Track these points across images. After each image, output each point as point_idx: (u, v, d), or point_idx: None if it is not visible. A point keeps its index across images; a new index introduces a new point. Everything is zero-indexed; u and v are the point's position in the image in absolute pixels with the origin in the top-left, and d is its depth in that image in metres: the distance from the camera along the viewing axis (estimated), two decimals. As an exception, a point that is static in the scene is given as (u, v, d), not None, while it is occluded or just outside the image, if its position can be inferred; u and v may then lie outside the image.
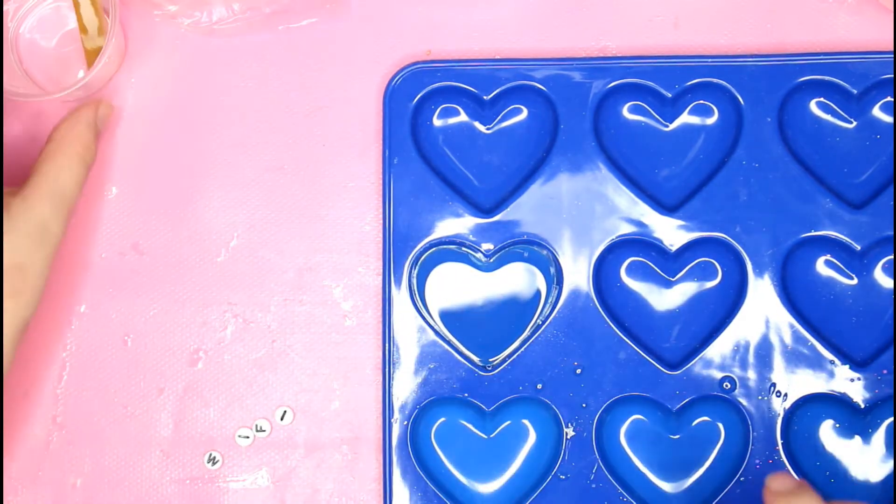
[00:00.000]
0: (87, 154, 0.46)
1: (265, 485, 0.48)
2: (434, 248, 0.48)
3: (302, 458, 0.48)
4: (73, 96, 0.50)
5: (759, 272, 0.47)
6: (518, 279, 0.48)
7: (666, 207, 0.48)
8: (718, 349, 0.46)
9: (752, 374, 0.46)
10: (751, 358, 0.46)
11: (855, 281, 0.47)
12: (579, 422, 0.46)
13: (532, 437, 0.47)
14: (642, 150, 0.49)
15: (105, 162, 0.50)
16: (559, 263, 0.47)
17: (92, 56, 0.50)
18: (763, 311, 0.46)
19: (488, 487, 0.47)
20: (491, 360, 0.47)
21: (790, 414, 0.46)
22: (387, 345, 0.47)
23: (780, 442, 0.45)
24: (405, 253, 0.47)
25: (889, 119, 0.48)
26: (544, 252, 0.48)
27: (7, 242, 0.42)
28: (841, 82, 0.48)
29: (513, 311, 0.48)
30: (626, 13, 0.50)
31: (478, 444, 0.47)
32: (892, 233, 0.46)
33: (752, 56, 0.48)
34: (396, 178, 0.48)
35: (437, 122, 0.49)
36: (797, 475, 0.45)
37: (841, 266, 0.47)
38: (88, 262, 0.50)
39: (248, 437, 0.48)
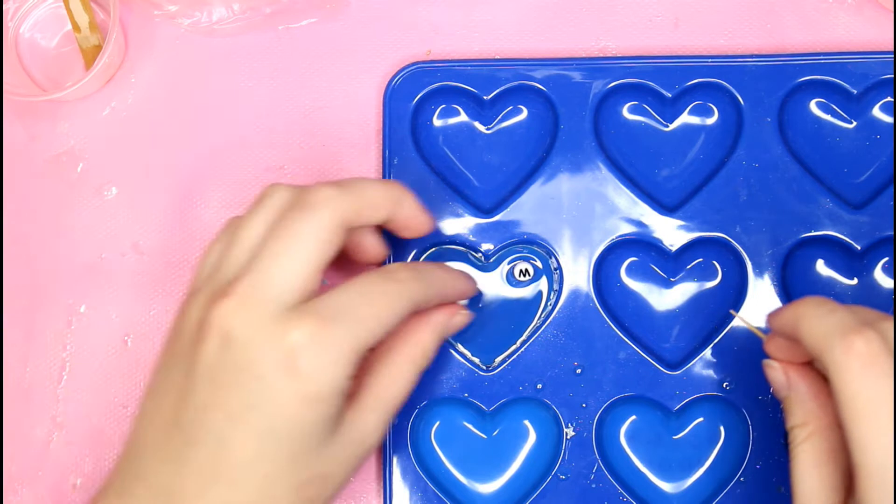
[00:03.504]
0: (424, 362, 0.42)
1: (265, 485, 0.47)
2: (434, 248, 0.48)
3: (302, 458, 0.48)
4: (73, 96, 0.50)
5: (759, 272, 0.47)
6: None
7: (666, 207, 0.48)
8: (718, 349, 0.46)
9: (751, 375, 0.46)
10: (751, 358, 0.46)
11: (855, 281, 0.47)
12: (579, 422, 0.46)
13: (532, 437, 0.47)
14: (642, 150, 0.49)
15: (105, 162, 0.50)
16: (559, 263, 0.47)
17: (89, 55, 0.51)
18: (763, 311, 0.46)
19: (488, 487, 0.47)
20: (491, 360, 0.47)
21: (790, 414, 0.46)
22: (387, 345, 0.47)
23: (780, 442, 0.45)
24: (405, 253, 0.47)
25: (889, 119, 0.48)
26: (544, 252, 0.48)
27: (326, 449, 0.38)
28: (841, 82, 0.48)
29: (513, 311, 0.48)
30: (626, 13, 0.50)
31: (478, 444, 0.47)
32: (892, 233, 0.46)
33: (752, 56, 0.48)
34: (396, 178, 0.48)
35: (437, 122, 0.49)
36: (797, 475, 0.45)
37: (841, 266, 0.47)
38: (88, 262, 0.50)
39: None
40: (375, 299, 0.39)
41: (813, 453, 0.37)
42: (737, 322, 0.46)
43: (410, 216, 0.42)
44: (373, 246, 0.44)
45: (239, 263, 0.39)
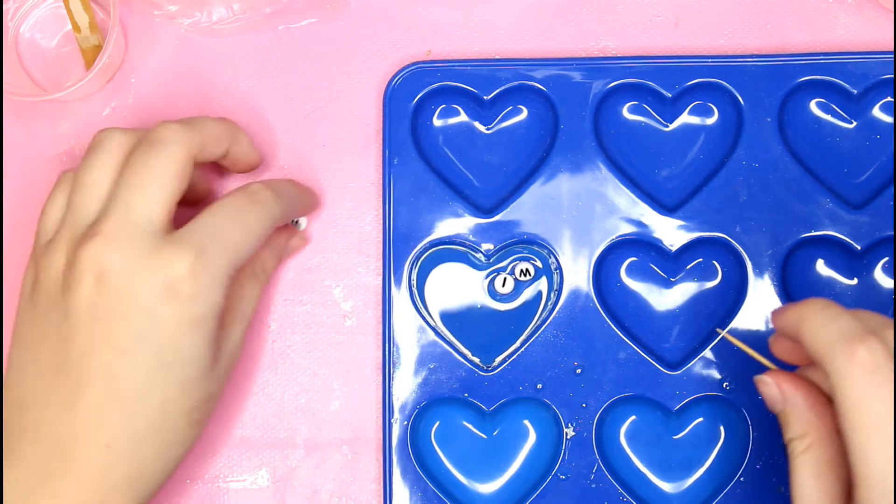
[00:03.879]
0: (266, 280, 0.46)
1: (265, 485, 0.48)
2: (434, 248, 0.48)
3: (302, 458, 0.48)
4: (73, 96, 0.50)
5: (759, 272, 0.47)
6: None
7: (666, 207, 0.48)
8: (718, 349, 0.46)
9: (751, 375, 0.46)
10: (751, 358, 0.46)
11: (855, 281, 0.47)
12: (579, 422, 0.46)
13: (532, 437, 0.47)
14: (642, 150, 0.49)
15: (105, 162, 0.50)
16: (559, 263, 0.47)
17: (89, 55, 0.51)
18: (763, 311, 0.46)
19: (488, 487, 0.47)
20: (491, 360, 0.47)
21: (790, 414, 0.46)
22: (387, 345, 0.47)
23: (779, 442, 0.45)
24: (405, 253, 0.47)
25: (889, 119, 0.48)
26: (544, 252, 0.48)
27: (210, 371, 0.40)
28: (841, 82, 0.48)
29: (513, 311, 0.48)
30: (626, 13, 0.50)
31: (478, 444, 0.47)
32: (892, 233, 0.46)
33: (752, 56, 0.48)
34: (396, 178, 0.48)
35: (437, 122, 0.49)
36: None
37: (841, 266, 0.47)
38: (88, 262, 0.50)
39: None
40: (244, 223, 0.41)
41: (812, 464, 0.36)
42: (737, 322, 0.46)
43: (246, 151, 0.45)
44: (199, 183, 0.47)
45: (94, 206, 0.40)
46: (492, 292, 0.48)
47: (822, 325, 0.35)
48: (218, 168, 0.48)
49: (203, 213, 0.41)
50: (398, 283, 0.47)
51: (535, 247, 0.48)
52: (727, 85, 0.48)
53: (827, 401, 0.37)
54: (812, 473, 0.36)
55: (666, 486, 0.46)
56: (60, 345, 0.39)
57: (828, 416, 0.37)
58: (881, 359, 0.33)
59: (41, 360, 0.39)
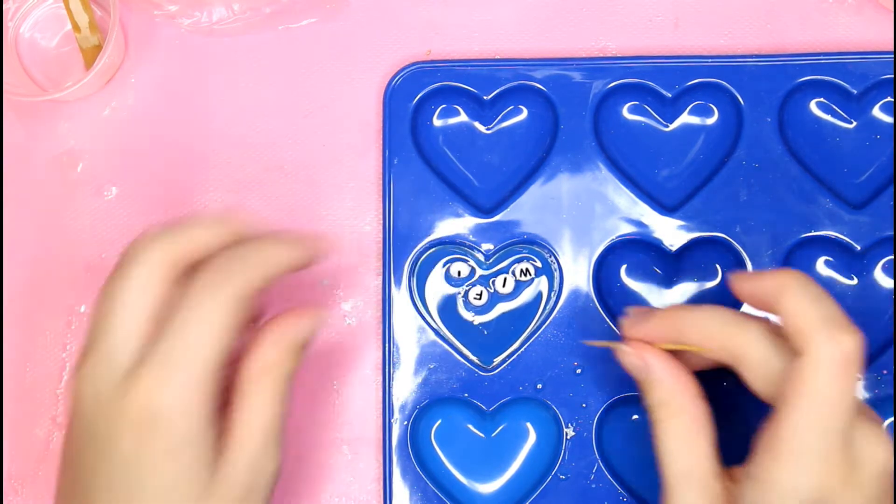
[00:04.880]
0: (286, 378, 0.38)
1: (265, 485, 0.47)
2: (434, 248, 0.48)
3: (302, 458, 0.48)
4: (73, 96, 0.50)
5: (759, 272, 0.47)
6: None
7: (666, 208, 0.48)
8: (718, 349, 0.46)
9: (752, 374, 0.46)
10: (751, 358, 0.46)
11: (855, 281, 0.47)
12: (579, 422, 0.46)
13: (532, 437, 0.47)
14: (642, 150, 0.49)
15: (105, 162, 0.50)
16: (559, 263, 0.47)
17: (89, 55, 0.51)
18: (763, 311, 0.46)
19: (488, 487, 0.47)
20: (491, 360, 0.47)
21: (790, 414, 0.46)
22: (387, 345, 0.47)
23: (780, 442, 0.45)
24: (405, 253, 0.47)
25: (889, 119, 0.48)
26: (544, 252, 0.48)
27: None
28: (841, 82, 0.48)
29: (513, 311, 0.48)
30: (626, 13, 0.50)
31: (478, 444, 0.47)
32: (892, 233, 0.46)
33: (752, 56, 0.48)
34: (396, 178, 0.48)
35: (437, 122, 0.49)
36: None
37: (841, 266, 0.47)
38: (88, 262, 0.50)
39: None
40: (198, 315, 0.35)
41: (679, 429, 0.38)
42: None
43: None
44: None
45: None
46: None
47: (810, 302, 0.35)
48: None
49: (162, 328, 0.35)
50: (398, 283, 0.47)
51: (535, 247, 0.48)
52: (727, 85, 0.48)
53: (686, 369, 0.39)
54: (680, 437, 0.38)
55: (666, 486, 0.46)
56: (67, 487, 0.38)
57: (690, 383, 0.38)
58: (855, 355, 0.34)
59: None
